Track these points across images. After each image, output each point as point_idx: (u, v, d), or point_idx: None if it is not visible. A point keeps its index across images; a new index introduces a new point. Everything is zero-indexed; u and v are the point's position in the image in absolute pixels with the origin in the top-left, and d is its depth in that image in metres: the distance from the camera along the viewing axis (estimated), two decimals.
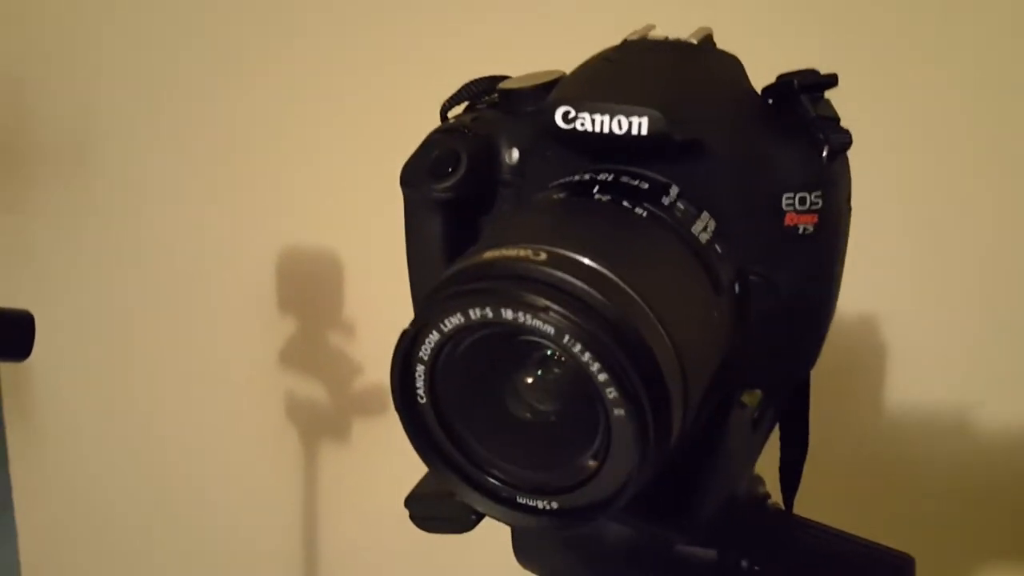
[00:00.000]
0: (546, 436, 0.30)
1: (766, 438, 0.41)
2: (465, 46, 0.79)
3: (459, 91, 0.41)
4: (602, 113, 0.31)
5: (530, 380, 0.30)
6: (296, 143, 0.92)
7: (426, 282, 0.39)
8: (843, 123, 0.35)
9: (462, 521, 0.37)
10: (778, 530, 0.39)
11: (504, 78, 0.41)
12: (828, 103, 0.36)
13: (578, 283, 0.27)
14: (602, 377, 0.26)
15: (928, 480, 0.77)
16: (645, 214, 0.31)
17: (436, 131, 0.38)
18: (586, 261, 0.27)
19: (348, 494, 1.03)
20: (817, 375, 0.40)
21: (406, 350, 0.29)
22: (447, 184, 0.36)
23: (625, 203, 0.31)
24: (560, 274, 0.27)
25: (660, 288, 0.28)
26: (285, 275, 0.98)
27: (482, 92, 0.40)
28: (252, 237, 0.97)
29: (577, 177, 0.33)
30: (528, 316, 0.26)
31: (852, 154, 0.36)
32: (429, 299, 0.29)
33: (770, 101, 0.36)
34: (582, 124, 0.32)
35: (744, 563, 0.38)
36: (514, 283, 0.27)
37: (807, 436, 0.43)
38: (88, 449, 1.12)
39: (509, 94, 0.38)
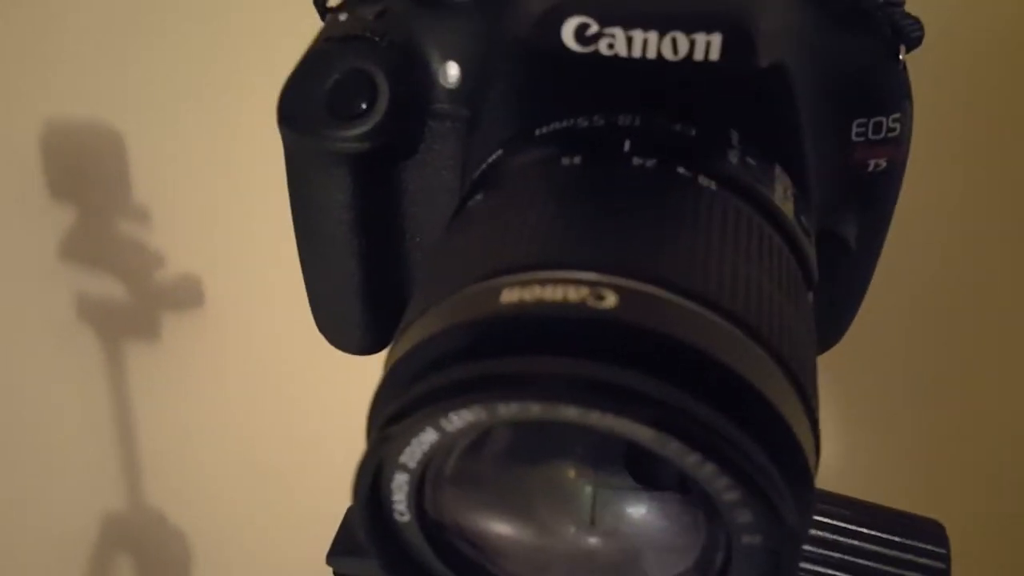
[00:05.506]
0: (606, 556, 0.20)
1: None
2: None
3: None
4: (645, 28, 0.20)
5: (573, 472, 0.19)
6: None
7: (327, 264, 0.27)
8: None
9: None
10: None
11: None
12: None
13: (690, 343, 0.16)
14: (731, 496, 0.16)
15: None
16: (714, 185, 0.20)
17: (327, 38, 0.25)
18: (681, 300, 0.16)
19: (165, 395, 0.93)
20: None
21: (379, 455, 0.18)
22: (363, 129, 0.24)
23: (681, 169, 0.20)
24: (653, 330, 0.16)
25: (782, 326, 0.18)
26: (53, 155, 0.82)
27: None
28: (8, 111, 0.79)
29: (584, 122, 0.21)
30: (608, 416, 0.16)
31: None
32: (412, 376, 0.17)
33: None
34: (610, 46, 0.20)
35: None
36: (577, 362, 0.16)
37: None
38: None
39: None
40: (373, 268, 0.27)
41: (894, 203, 0.27)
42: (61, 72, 0.76)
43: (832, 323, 0.28)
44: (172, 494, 0.97)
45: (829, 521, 0.31)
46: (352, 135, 0.24)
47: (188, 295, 0.86)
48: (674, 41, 0.20)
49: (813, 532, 0.30)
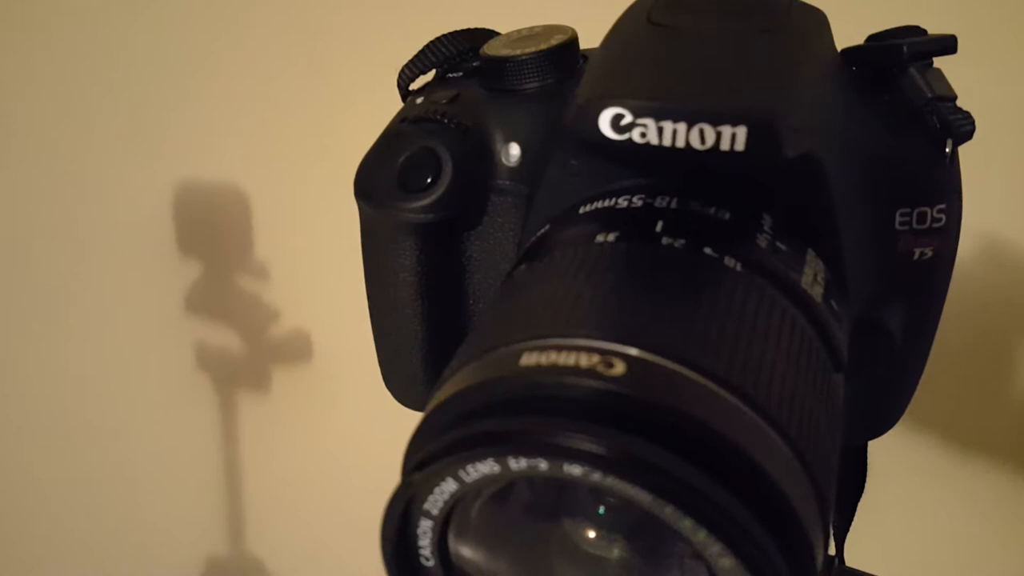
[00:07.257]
0: None
1: None
2: None
3: (422, 53, 0.30)
4: (675, 120, 0.21)
5: (591, 533, 0.20)
6: (191, 67, 0.79)
7: (395, 324, 0.29)
8: None
9: None
10: None
11: (486, 34, 0.30)
12: (940, 75, 0.27)
13: (690, 414, 0.17)
14: (725, 563, 0.17)
15: None
16: (739, 267, 0.21)
17: (403, 119, 0.27)
18: (688, 372, 0.18)
19: (272, 446, 0.96)
20: None
21: (406, 500, 0.19)
22: (426, 202, 0.26)
23: (708, 250, 0.21)
24: (655, 399, 0.17)
25: (792, 403, 0.19)
26: (185, 214, 0.87)
27: (457, 56, 0.29)
28: (145, 172, 0.85)
29: (624, 203, 0.23)
30: (608, 477, 0.17)
31: None
32: (439, 428, 0.19)
33: (853, 68, 0.27)
34: (643, 135, 0.21)
35: None
36: (580, 423, 0.17)
37: (865, 473, 0.35)
38: None
39: (501, 66, 0.27)
40: (436, 329, 0.29)
41: (942, 295, 0.27)
42: (194, 137, 0.81)
43: (882, 409, 0.28)
44: (272, 543, 1.00)
45: None
46: (418, 207, 0.26)
47: (298, 349, 0.90)
48: (702, 132, 0.21)
49: None
